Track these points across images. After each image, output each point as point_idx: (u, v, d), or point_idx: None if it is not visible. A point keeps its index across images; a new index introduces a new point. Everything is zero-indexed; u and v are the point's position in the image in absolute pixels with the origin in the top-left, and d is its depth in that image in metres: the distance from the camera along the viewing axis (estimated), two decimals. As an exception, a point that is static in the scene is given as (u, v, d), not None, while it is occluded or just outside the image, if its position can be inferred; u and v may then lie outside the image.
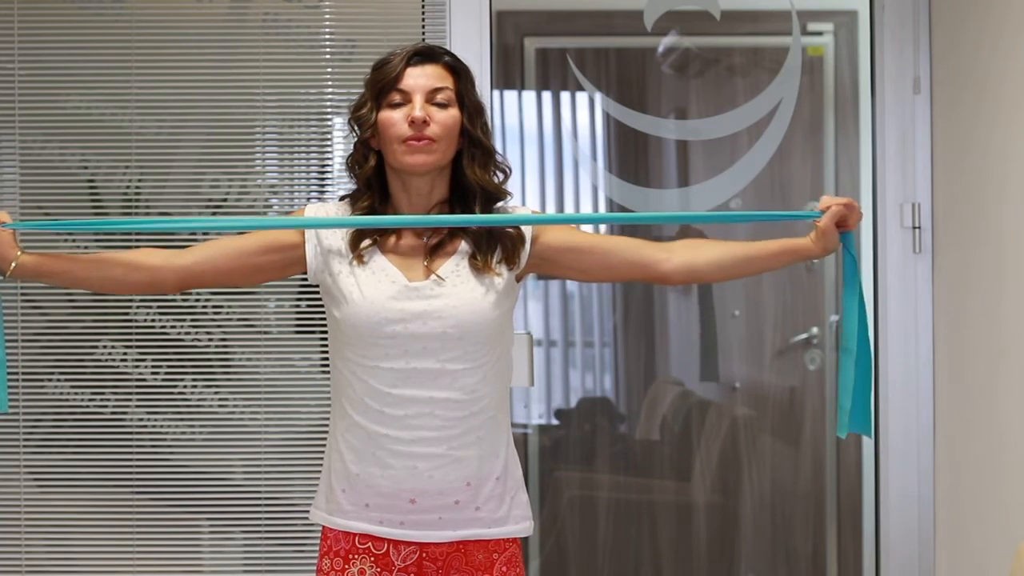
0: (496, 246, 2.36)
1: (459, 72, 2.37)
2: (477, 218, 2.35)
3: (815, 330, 3.68)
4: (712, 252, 2.42)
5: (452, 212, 2.38)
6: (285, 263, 2.40)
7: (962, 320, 3.26)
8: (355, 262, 2.32)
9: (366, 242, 2.34)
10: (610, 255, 2.43)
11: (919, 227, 3.39)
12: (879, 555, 3.49)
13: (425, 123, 2.29)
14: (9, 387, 3.35)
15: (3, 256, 2.29)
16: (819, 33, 3.67)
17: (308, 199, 3.48)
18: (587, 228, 3.52)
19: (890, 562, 3.44)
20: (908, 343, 3.41)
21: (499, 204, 2.42)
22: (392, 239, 2.36)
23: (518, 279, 2.41)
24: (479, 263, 2.33)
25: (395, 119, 2.31)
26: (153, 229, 2.58)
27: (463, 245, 2.36)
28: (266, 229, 2.44)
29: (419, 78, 2.32)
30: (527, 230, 2.39)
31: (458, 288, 2.31)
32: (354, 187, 2.43)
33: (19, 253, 2.30)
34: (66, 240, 3.38)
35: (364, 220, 2.35)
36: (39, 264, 2.32)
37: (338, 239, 2.36)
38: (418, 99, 2.31)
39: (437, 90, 2.33)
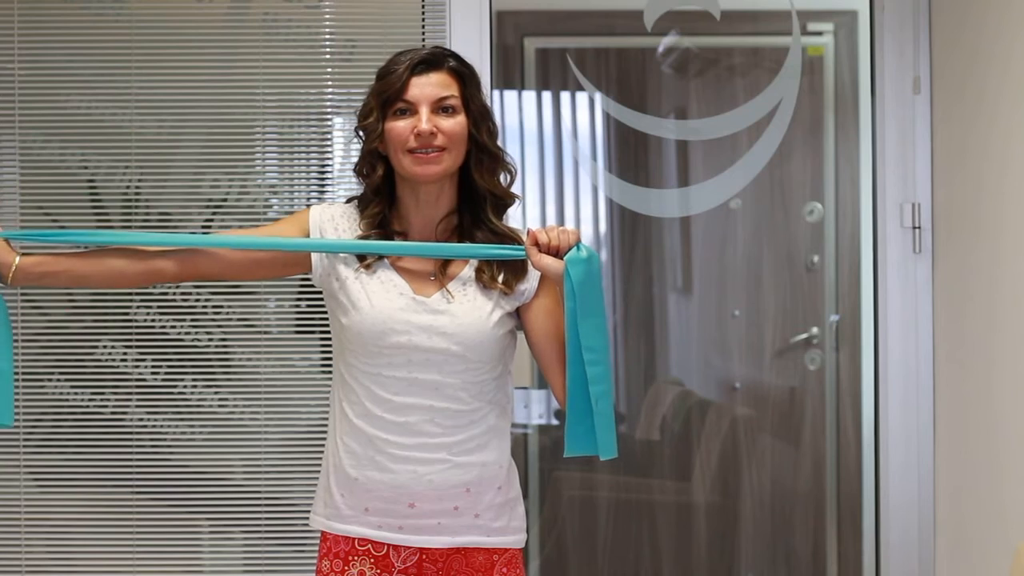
0: (503, 266, 2.34)
1: (464, 77, 2.35)
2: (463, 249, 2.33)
3: (815, 330, 3.67)
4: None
5: (461, 219, 2.37)
6: (287, 261, 2.38)
7: (962, 320, 3.25)
8: (362, 270, 2.32)
9: None
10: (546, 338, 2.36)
11: (919, 227, 3.39)
12: (879, 555, 3.49)
13: (432, 135, 2.29)
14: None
15: (1, 261, 2.25)
16: (819, 33, 3.66)
17: (308, 199, 3.47)
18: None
19: (890, 562, 3.44)
20: (908, 343, 3.41)
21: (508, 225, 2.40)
22: None
23: (509, 313, 2.36)
24: (486, 278, 2.33)
25: (401, 130, 2.30)
26: (155, 243, 2.41)
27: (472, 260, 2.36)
28: (273, 249, 2.35)
29: (424, 87, 2.31)
30: (533, 272, 2.35)
31: (464, 306, 2.31)
32: (358, 189, 2.43)
33: (16, 258, 2.26)
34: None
35: (368, 246, 2.32)
36: (39, 264, 2.28)
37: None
38: (424, 111, 2.30)
39: (443, 98, 2.31)
